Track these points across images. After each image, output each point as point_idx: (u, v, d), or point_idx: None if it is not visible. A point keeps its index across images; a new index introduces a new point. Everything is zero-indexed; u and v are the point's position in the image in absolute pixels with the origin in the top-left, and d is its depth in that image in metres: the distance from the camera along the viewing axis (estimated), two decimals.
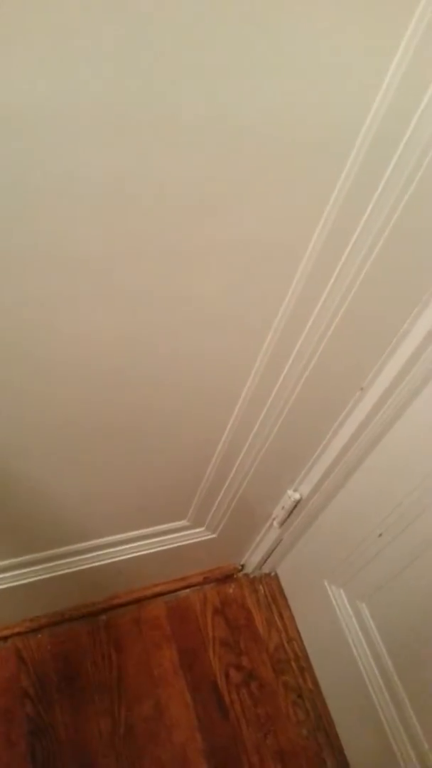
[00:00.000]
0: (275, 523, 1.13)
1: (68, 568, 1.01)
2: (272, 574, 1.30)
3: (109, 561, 1.04)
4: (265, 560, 1.26)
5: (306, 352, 0.71)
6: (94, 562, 1.02)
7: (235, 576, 1.29)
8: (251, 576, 1.30)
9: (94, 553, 1.01)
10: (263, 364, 0.71)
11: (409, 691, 0.95)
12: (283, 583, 1.29)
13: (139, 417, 0.74)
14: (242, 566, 1.29)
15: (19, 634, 1.11)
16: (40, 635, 1.12)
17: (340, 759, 1.10)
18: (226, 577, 1.28)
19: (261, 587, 1.29)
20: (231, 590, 1.27)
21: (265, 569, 1.29)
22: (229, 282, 0.58)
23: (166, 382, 0.69)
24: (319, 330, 0.67)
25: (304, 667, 1.19)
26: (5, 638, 1.10)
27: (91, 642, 1.13)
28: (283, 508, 1.08)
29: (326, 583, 1.11)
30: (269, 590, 1.29)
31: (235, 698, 1.13)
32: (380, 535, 0.95)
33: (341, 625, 1.06)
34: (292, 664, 1.19)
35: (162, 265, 0.53)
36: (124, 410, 0.71)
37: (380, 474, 0.93)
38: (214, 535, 1.12)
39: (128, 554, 1.05)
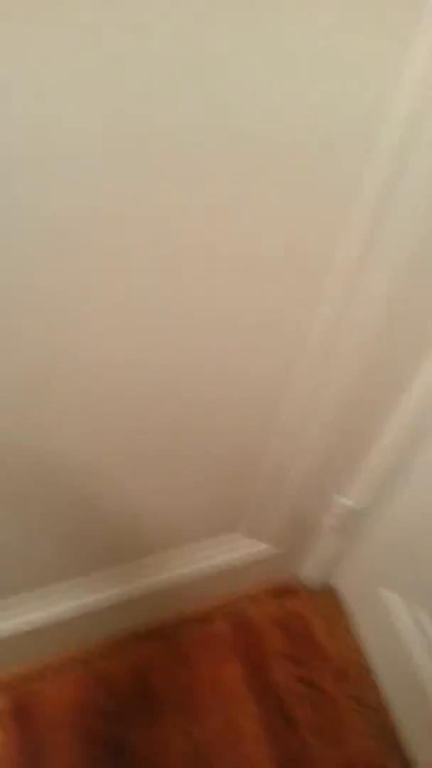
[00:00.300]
0: (330, 532, 1.14)
1: (131, 584, 1.05)
2: (331, 584, 1.31)
3: (170, 575, 1.08)
4: (322, 571, 1.26)
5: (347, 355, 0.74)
6: (159, 575, 1.06)
7: (293, 588, 1.30)
8: (310, 588, 1.31)
9: (158, 569, 1.05)
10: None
11: None
12: (342, 594, 1.29)
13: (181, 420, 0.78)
14: (300, 578, 1.30)
15: (93, 654, 1.14)
16: (111, 656, 1.15)
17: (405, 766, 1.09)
18: (285, 590, 1.29)
19: (320, 599, 1.29)
20: (289, 603, 1.28)
21: (324, 580, 1.30)
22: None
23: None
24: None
25: (367, 676, 1.19)
26: (84, 660, 1.14)
27: (161, 660, 1.16)
28: (335, 515, 1.10)
29: (382, 590, 1.11)
30: (328, 601, 1.29)
31: (299, 710, 1.14)
32: None
33: (401, 633, 1.06)
34: (354, 674, 1.19)
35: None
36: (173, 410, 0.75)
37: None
38: (268, 547, 1.14)
39: (187, 568, 1.08)
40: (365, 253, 0.62)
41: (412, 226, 0.60)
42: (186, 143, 0.47)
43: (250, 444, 0.88)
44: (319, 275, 0.65)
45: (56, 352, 0.59)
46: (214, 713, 1.10)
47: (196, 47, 0.42)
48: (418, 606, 1.03)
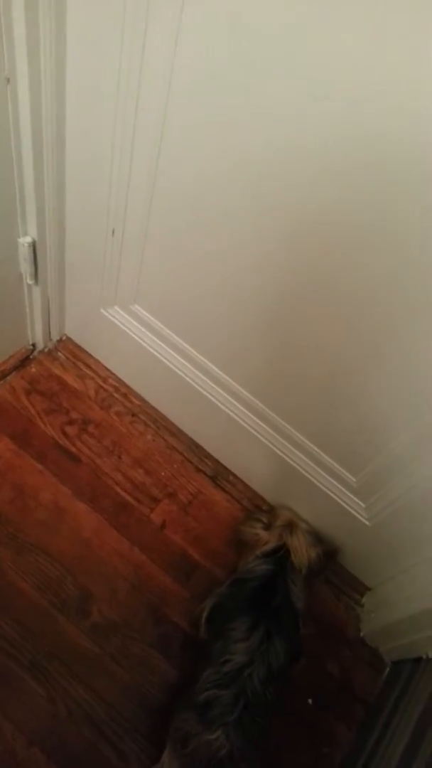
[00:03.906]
0: (30, 281, 1.11)
1: None
2: (63, 337, 1.33)
3: None
4: (48, 327, 1.27)
5: None
6: None
7: (31, 357, 1.30)
8: (46, 349, 1.32)
9: None
10: None
11: (198, 347, 1.08)
12: (76, 338, 1.32)
13: None
14: (33, 345, 1.30)
15: None
16: None
17: (184, 438, 1.27)
18: (23, 361, 1.29)
19: (59, 353, 1.32)
20: (33, 369, 1.29)
21: (54, 336, 1.31)
22: None
23: None
24: None
25: (126, 392, 1.30)
26: None
27: None
28: (25, 260, 1.06)
29: (102, 310, 1.15)
30: (68, 351, 1.32)
31: (80, 445, 1.22)
32: (113, 232, 0.98)
33: (130, 335, 1.14)
34: (116, 396, 1.29)
35: None
36: None
37: (88, 165, 0.92)
38: None
39: None
40: None
41: None
42: None
43: None
44: None
45: None
46: (1, 487, 1.13)
47: None
48: (130, 305, 1.10)
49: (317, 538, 1.09)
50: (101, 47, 0.74)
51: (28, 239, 1.02)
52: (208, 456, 1.26)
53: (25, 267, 1.08)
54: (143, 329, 1.13)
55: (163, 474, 1.22)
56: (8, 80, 0.78)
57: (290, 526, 1.05)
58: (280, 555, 1.00)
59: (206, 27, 0.65)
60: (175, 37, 0.68)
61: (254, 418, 1.09)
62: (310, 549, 1.02)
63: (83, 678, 1.00)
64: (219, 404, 1.12)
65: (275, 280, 0.85)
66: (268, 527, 1.05)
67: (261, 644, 0.88)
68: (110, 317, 1.16)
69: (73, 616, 1.04)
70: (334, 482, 1.07)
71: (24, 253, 1.04)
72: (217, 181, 0.79)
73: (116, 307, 1.14)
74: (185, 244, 0.92)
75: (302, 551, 1.00)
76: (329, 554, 1.08)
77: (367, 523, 1.07)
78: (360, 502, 1.07)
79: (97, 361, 1.32)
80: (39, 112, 0.83)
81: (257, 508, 1.22)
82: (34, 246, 1.04)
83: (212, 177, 0.79)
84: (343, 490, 1.08)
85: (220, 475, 1.25)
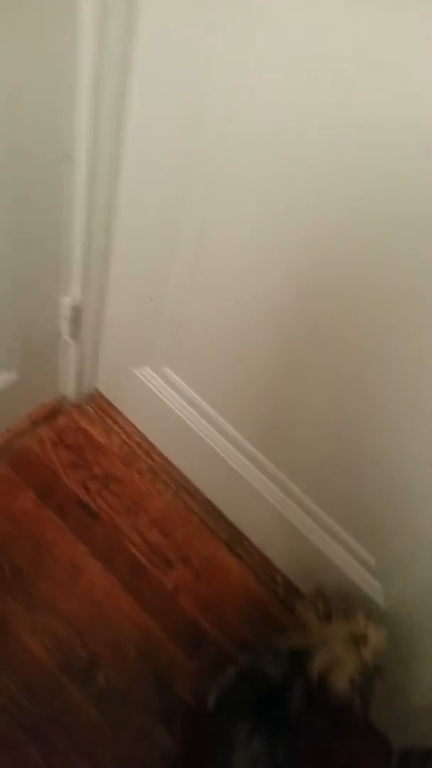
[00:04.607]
0: (68, 338, 1.14)
1: None
2: (94, 391, 1.35)
3: None
4: (80, 381, 1.29)
5: None
6: None
7: (60, 408, 1.32)
8: (76, 402, 1.34)
9: None
10: None
11: (223, 413, 1.09)
12: (106, 393, 1.35)
13: None
14: (64, 396, 1.32)
15: None
16: None
17: (202, 500, 1.27)
18: (53, 412, 1.31)
19: (89, 407, 1.34)
20: (62, 422, 1.31)
21: (85, 389, 1.33)
22: None
23: None
24: None
25: (149, 449, 1.31)
26: None
27: None
28: (66, 319, 1.09)
29: (132, 369, 1.18)
30: (97, 405, 1.34)
31: (101, 502, 1.22)
32: (150, 298, 1.01)
33: (157, 396, 1.16)
34: (139, 452, 1.30)
35: None
36: None
37: (136, 239, 0.96)
38: (15, 375, 1.11)
39: None
40: None
41: None
42: None
43: None
44: None
45: None
46: (18, 540, 1.14)
47: None
48: (161, 367, 1.12)
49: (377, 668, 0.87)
50: (159, 141, 0.78)
51: (70, 300, 1.06)
52: (226, 520, 1.25)
53: (64, 324, 1.11)
54: (172, 391, 1.15)
55: (179, 536, 1.21)
56: (68, 157, 0.83)
57: (357, 641, 0.85)
58: (302, 659, 0.88)
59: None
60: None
61: (274, 488, 1.09)
62: (364, 685, 0.84)
63: (84, 747, 0.98)
64: (239, 470, 1.12)
65: (302, 362, 0.87)
66: (324, 618, 0.91)
67: (263, 752, 0.84)
68: (140, 376, 1.18)
69: (79, 681, 1.03)
70: (352, 559, 1.06)
71: (65, 312, 1.08)
72: (253, 268, 0.82)
73: (147, 368, 1.16)
74: (220, 317, 0.94)
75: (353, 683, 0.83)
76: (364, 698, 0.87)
77: (383, 607, 1.05)
78: (377, 585, 1.05)
79: (124, 417, 1.34)
80: (93, 188, 0.87)
81: (272, 579, 1.21)
82: (75, 306, 1.07)
83: (249, 266, 0.83)
84: (361, 569, 1.06)
85: (235, 541, 1.24)
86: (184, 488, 1.28)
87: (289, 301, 0.82)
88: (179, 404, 1.14)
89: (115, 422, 1.33)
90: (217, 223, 0.82)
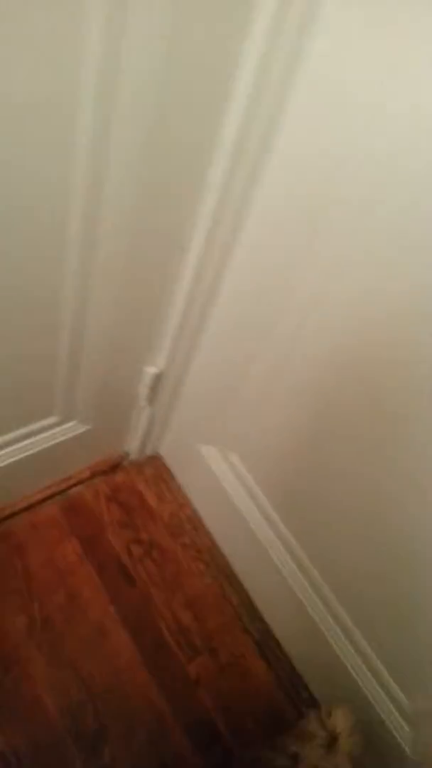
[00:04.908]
0: (144, 403, 1.18)
1: None
2: (156, 454, 1.38)
3: None
4: (146, 442, 1.32)
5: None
6: None
7: (121, 464, 1.35)
8: (137, 461, 1.36)
9: None
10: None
11: (283, 517, 1.07)
12: (167, 459, 1.37)
13: None
14: (127, 453, 1.35)
15: None
16: None
17: (241, 593, 1.24)
18: (113, 467, 1.34)
19: (147, 469, 1.36)
20: (120, 478, 1.33)
21: (148, 451, 1.36)
22: None
23: None
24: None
25: (198, 526, 1.30)
26: None
27: None
28: (146, 385, 1.13)
29: (200, 446, 1.19)
30: (155, 469, 1.36)
31: (140, 568, 1.22)
32: (229, 389, 1.03)
33: (218, 478, 1.16)
34: (187, 527, 1.30)
35: None
36: None
37: (227, 329, 0.99)
38: (88, 427, 1.15)
39: (4, 461, 1.06)
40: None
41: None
42: None
43: (45, 321, 0.86)
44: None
45: None
46: (55, 590, 1.15)
47: None
48: (228, 451, 1.13)
49: None
50: (273, 243, 0.82)
51: (154, 370, 1.10)
52: (260, 619, 1.22)
53: (143, 390, 1.14)
54: (233, 478, 1.15)
55: (210, 624, 1.19)
56: (182, 249, 0.87)
57: None
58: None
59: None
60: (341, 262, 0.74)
61: (317, 601, 1.05)
62: None
63: None
64: (285, 574, 1.09)
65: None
66: (329, 743, 0.87)
67: None
68: (205, 454, 1.19)
69: (84, 752, 1.00)
70: (383, 695, 1.00)
71: (146, 380, 1.11)
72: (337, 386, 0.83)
73: (214, 449, 1.17)
74: (298, 424, 0.95)
75: None
76: None
77: (408, 753, 0.98)
78: (407, 729, 0.98)
79: (179, 487, 1.35)
80: (199, 275, 0.92)
81: (297, 692, 1.15)
82: (157, 375, 1.11)
83: (333, 384, 0.83)
84: (391, 706, 1.00)
85: (267, 643, 1.20)
86: (225, 574, 1.26)
87: (370, 426, 0.82)
88: (238, 492, 1.14)
89: (170, 490, 1.34)
90: (311, 334, 0.84)
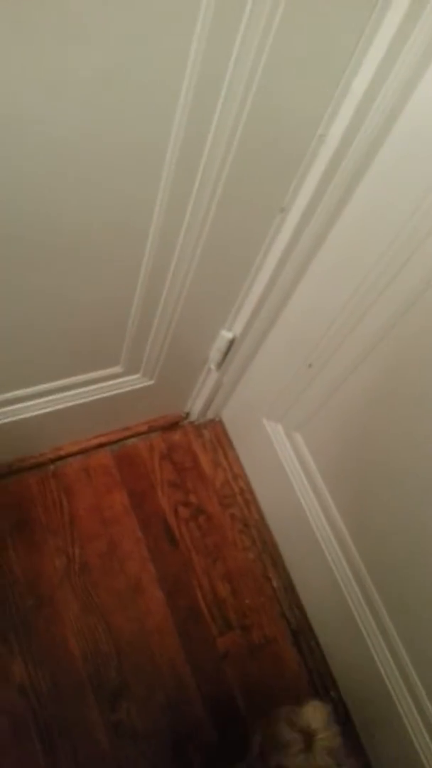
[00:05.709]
0: (213, 367, 1.12)
1: (5, 418, 1.00)
2: (216, 419, 1.33)
3: (48, 410, 1.03)
4: (208, 406, 1.27)
5: (210, 178, 0.65)
6: (29, 412, 1.01)
7: (180, 423, 1.31)
8: (196, 423, 1.32)
9: (27, 403, 1.00)
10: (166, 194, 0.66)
11: (341, 509, 1.01)
12: (227, 426, 1.32)
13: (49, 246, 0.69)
14: (187, 414, 1.31)
15: None
16: None
17: (284, 576, 1.19)
18: (172, 425, 1.30)
19: (206, 432, 1.32)
20: (177, 437, 1.30)
21: (210, 415, 1.31)
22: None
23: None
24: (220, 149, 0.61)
25: (250, 500, 1.26)
26: None
27: (41, 490, 1.16)
28: (218, 350, 1.07)
29: (264, 420, 1.13)
30: (214, 434, 1.32)
31: (185, 531, 1.20)
32: (310, 365, 0.96)
33: (279, 457, 1.11)
34: (238, 498, 1.26)
35: None
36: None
37: (306, 307, 0.92)
38: (152, 382, 1.11)
39: (65, 403, 1.04)
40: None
41: None
42: None
43: (125, 274, 0.81)
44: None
45: None
46: (98, 538, 1.14)
47: None
48: (293, 430, 1.06)
49: None
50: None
51: (230, 335, 1.03)
52: (300, 607, 1.17)
53: (215, 354, 1.09)
54: (294, 458, 1.09)
55: (247, 601, 1.15)
56: (283, 209, 0.79)
57: None
58: None
59: None
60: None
61: (366, 610, 0.99)
62: None
63: None
64: (333, 566, 1.03)
65: None
66: (306, 744, 0.78)
67: None
68: (268, 429, 1.13)
69: (102, 703, 1.01)
70: (418, 719, 0.94)
71: (220, 344, 1.06)
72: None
73: (279, 426, 1.11)
74: (371, 413, 0.87)
75: None
76: None
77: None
78: None
79: (236, 456, 1.30)
80: (298, 240, 0.83)
81: (318, 692, 1.11)
82: (232, 341, 1.05)
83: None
84: (422, 727, 0.94)
85: (303, 633, 1.15)
86: (270, 554, 1.21)
87: None
88: (297, 474, 1.08)
89: (226, 457, 1.29)
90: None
